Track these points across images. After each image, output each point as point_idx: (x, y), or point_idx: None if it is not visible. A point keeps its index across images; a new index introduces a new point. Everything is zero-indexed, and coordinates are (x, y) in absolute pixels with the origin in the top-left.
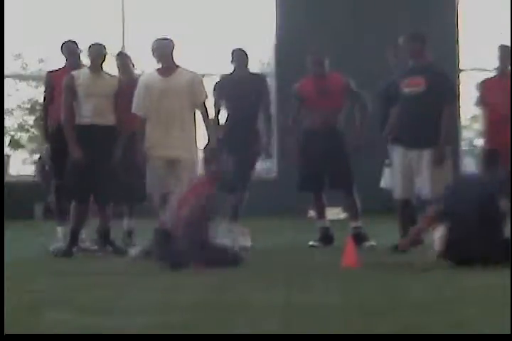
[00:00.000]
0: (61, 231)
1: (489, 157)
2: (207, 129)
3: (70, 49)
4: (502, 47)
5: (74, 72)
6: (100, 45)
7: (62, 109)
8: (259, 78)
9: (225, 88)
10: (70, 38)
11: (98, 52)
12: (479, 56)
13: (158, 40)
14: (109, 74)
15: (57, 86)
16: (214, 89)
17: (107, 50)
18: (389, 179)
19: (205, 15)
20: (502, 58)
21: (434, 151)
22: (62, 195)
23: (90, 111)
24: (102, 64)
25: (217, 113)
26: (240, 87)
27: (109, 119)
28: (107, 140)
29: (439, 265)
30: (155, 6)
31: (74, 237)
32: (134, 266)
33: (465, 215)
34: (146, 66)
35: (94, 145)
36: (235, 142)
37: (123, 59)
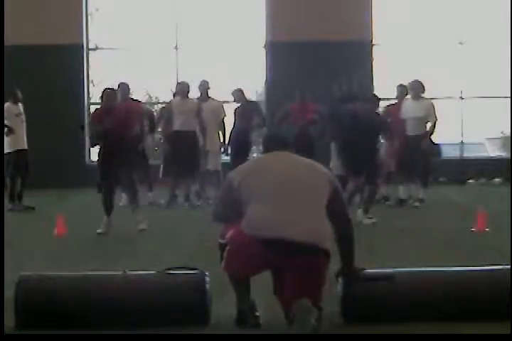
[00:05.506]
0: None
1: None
2: (223, 134)
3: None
4: (399, 87)
5: None
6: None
7: None
8: (254, 104)
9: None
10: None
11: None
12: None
13: (202, 81)
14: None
15: None
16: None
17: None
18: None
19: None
20: (400, 93)
21: None
22: None
23: None
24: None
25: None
26: (241, 111)
27: None
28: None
29: None
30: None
31: None
32: None
33: None
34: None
35: None
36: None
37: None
